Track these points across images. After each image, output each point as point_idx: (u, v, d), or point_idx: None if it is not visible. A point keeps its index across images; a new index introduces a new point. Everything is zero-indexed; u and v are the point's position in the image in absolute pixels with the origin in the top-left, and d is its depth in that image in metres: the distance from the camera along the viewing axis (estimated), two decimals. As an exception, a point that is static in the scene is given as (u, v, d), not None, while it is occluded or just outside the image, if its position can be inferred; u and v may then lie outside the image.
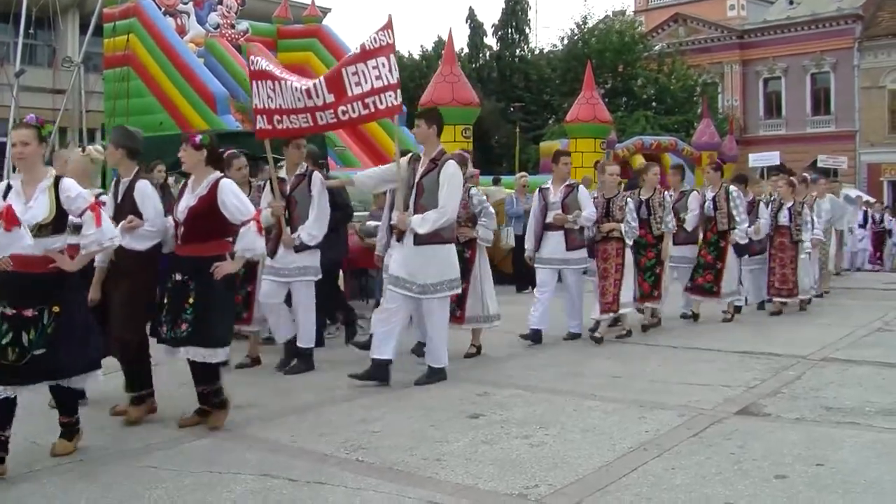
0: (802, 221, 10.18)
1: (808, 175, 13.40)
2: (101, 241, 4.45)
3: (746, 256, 10.12)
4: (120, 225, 4.84)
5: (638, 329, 8.63)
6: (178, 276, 5.01)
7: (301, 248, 6.67)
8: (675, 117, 32.88)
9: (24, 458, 4.42)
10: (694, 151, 23.02)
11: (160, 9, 17.35)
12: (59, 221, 4.37)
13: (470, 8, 50.30)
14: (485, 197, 7.58)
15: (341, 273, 8.37)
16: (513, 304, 10.06)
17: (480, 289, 7.31)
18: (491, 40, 39.50)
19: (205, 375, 5.07)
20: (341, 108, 6.35)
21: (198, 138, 5.22)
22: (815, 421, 5.22)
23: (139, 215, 5.13)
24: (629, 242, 8.09)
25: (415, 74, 34.67)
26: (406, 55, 38.27)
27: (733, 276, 9.64)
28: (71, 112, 17.32)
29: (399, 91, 6.33)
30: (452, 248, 6.50)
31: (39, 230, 4.27)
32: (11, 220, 4.10)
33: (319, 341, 7.62)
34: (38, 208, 4.31)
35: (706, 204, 9.44)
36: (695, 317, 9.50)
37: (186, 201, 5.13)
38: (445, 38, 17.48)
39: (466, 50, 38.17)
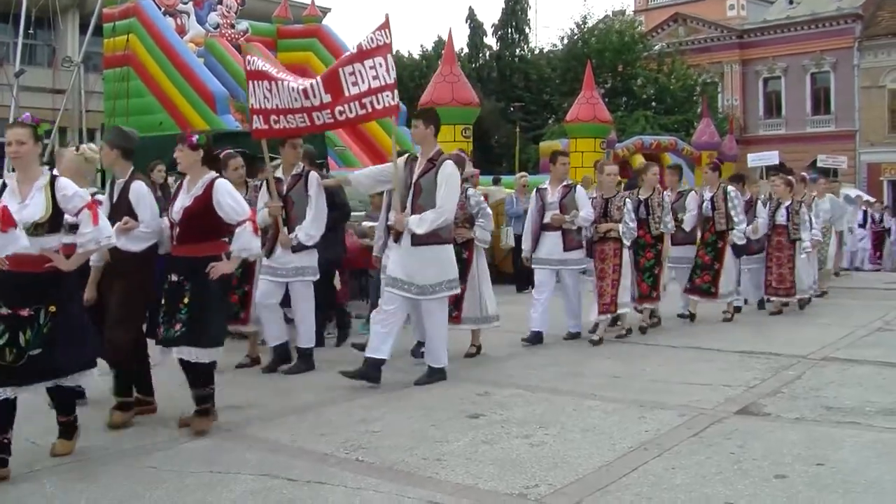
0: (800, 220, 10.16)
1: (807, 174, 13.38)
2: (99, 239, 4.43)
3: (745, 256, 10.12)
4: (115, 226, 4.83)
5: (637, 328, 8.62)
6: (174, 277, 5.00)
7: (298, 248, 6.66)
8: (675, 117, 32.87)
9: (24, 459, 4.41)
10: (694, 151, 23.00)
11: (160, 9, 17.33)
12: (54, 220, 4.35)
13: (470, 8, 50.42)
14: (482, 198, 7.56)
15: (337, 273, 8.32)
16: (513, 303, 10.07)
17: (478, 290, 7.30)
18: (491, 40, 39.52)
19: (196, 377, 5.03)
20: (338, 108, 6.34)
21: (194, 138, 5.21)
22: (816, 421, 5.23)
23: (134, 216, 5.12)
24: (627, 243, 8.07)
25: (415, 74, 34.67)
26: (406, 55, 38.28)
27: (731, 277, 9.62)
28: (71, 112, 17.31)
29: (396, 91, 6.31)
30: (451, 248, 6.49)
31: (35, 229, 4.26)
32: (7, 221, 4.07)
33: (319, 341, 7.62)
34: (35, 207, 4.29)
35: (704, 204, 9.42)
36: (692, 317, 9.49)
37: (181, 201, 5.11)
38: (445, 37, 17.47)
39: (466, 50, 38.16)
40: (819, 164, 19.15)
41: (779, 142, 34.55)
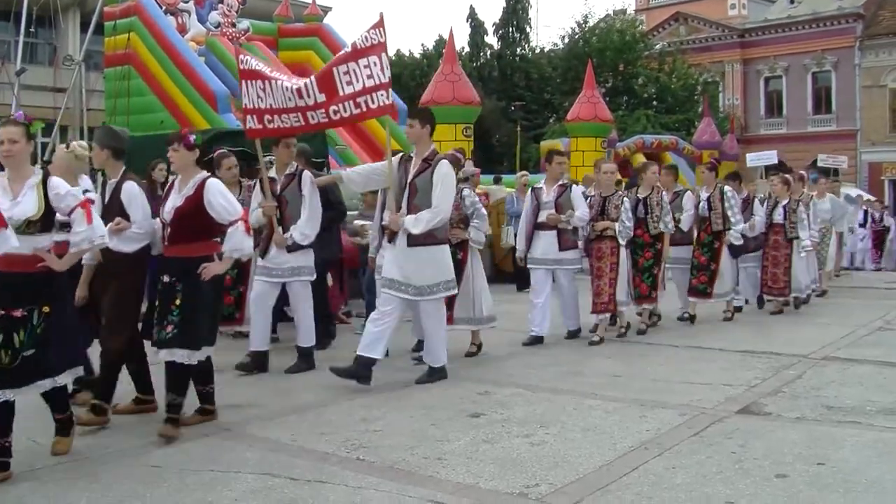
0: (798, 219, 10.12)
1: (805, 173, 13.34)
2: (92, 238, 4.40)
3: (745, 254, 10.08)
4: (107, 227, 4.78)
5: (635, 328, 8.59)
6: (166, 278, 4.96)
7: (294, 247, 6.63)
8: (676, 116, 32.89)
9: (25, 458, 4.41)
10: (695, 150, 23.03)
11: (161, 7, 17.30)
12: (46, 219, 4.31)
13: (471, 7, 50.18)
14: (477, 198, 7.49)
15: (329, 274, 8.29)
16: (513, 303, 10.07)
17: (472, 290, 7.25)
18: (492, 39, 39.56)
19: (174, 380, 4.93)
20: (333, 107, 6.30)
21: (192, 138, 5.17)
22: (816, 420, 5.22)
23: (127, 217, 5.09)
24: (622, 242, 8.03)
25: (416, 73, 34.72)
26: (407, 54, 38.33)
27: (727, 277, 9.59)
28: (72, 111, 17.33)
29: (390, 90, 6.27)
30: (447, 248, 6.45)
31: (28, 226, 4.21)
32: None
33: (328, 334, 7.63)
34: (27, 204, 4.24)
35: (700, 204, 9.39)
36: (692, 319, 9.42)
37: (173, 201, 5.07)
38: (446, 36, 17.50)
39: (467, 49, 38.19)
40: (819, 164, 19.12)
41: (780, 141, 34.57)
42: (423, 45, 46.12)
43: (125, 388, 5.46)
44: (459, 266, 7.05)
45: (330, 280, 8.39)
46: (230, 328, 7.57)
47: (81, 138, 15.76)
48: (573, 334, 8.31)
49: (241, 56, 6.85)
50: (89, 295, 5.35)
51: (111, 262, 5.11)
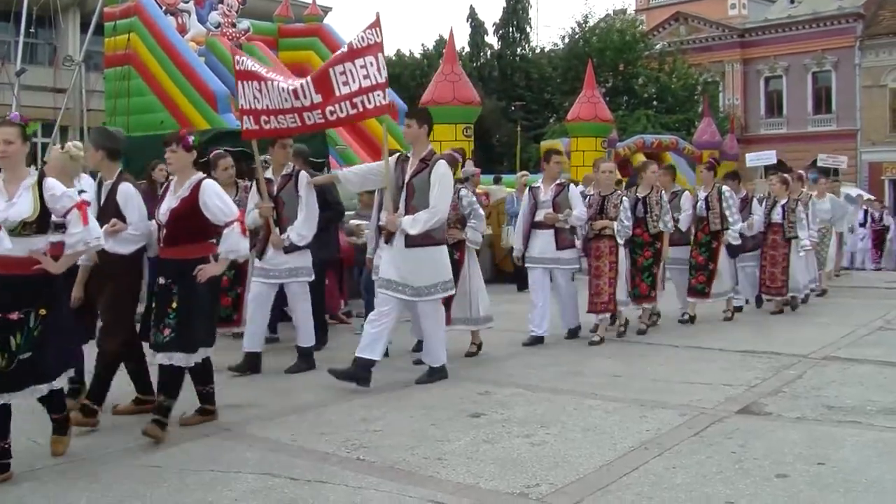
0: (796, 219, 10.10)
1: (804, 173, 13.31)
2: (87, 240, 4.36)
3: (743, 253, 10.06)
4: (103, 228, 4.75)
5: (635, 328, 8.58)
6: (162, 280, 4.93)
7: (291, 248, 6.62)
8: (676, 116, 32.89)
9: (25, 458, 4.41)
10: (695, 150, 23.02)
11: (161, 7, 17.31)
12: (42, 220, 4.26)
13: (471, 7, 50.16)
14: (475, 198, 7.46)
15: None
16: (513, 303, 10.07)
17: (469, 291, 7.24)
18: (492, 39, 39.59)
19: (166, 383, 4.90)
20: (329, 108, 6.26)
21: (191, 139, 5.15)
22: (817, 420, 5.22)
23: (123, 218, 5.06)
24: (620, 242, 8.01)
25: (416, 73, 34.74)
26: (407, 54, 38.35)
27: (726, 277, 9.57)
28: (72, 111, 17.34)
29: (387, 90, 6.24)
30: (444, 249, 6.42)
31: (24, 228, 4.17)
32: None
33: (320, 340, 7.61)
34: (23, 205, 4.20)
35: (698, 204, 9.37)
36: (692, 319, 9.41)
37: (168, 203, 5.04)
38: (446, 36, 17.48)
39: (468, 49, 38.21)
40: (819, 164, 19.11)
41: (780, 141, 34.58)
42: (423, 45, 46.26)
43: (125, 388, 5.46)
44: (456, 266, 7.01)
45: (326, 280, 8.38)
46: (228, 330, 7.55)
47: (81, 139, 15.79)
48: (573, 332, 8.31)
49: (237, 57, 6.81)
50: (84, 296, 5.34)
51: (107, 264, 5.08)
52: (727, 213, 9.28)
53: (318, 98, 6.26)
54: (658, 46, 37.22)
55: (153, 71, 16.35)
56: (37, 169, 4.53)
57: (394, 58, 37.98)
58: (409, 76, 34.70)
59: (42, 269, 4.25)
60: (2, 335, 4.17)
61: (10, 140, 4.25)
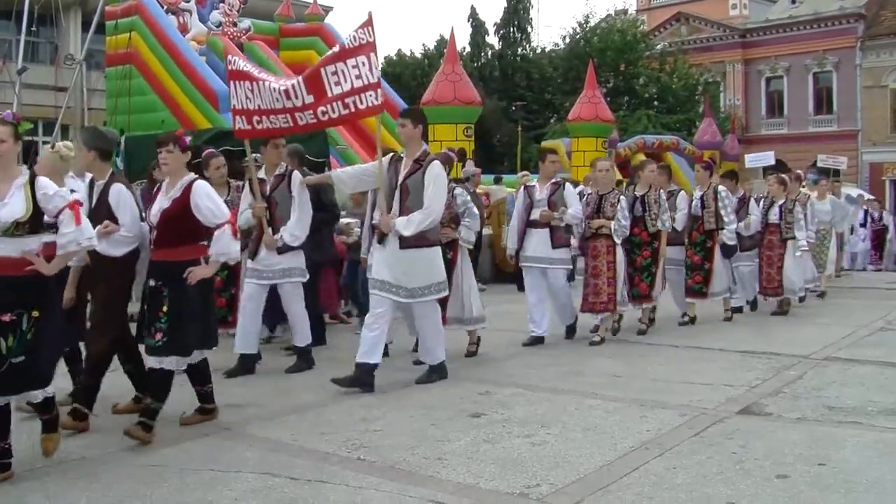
0: (794, 219, 10.07)
1: (803, 173, 13.26)
2: (80, 240, 4.28)
3: (738, 253, 10.03)
4: (95, 230, 4.65)
5: (633, 327, 8.55)
6: (152, 282, 4.89)
7: (284, 249, 6.59)
8: (677, 116, 32.90)
9: (25, 457, 4.41)
10: (696, 151, 23.02)
11: (162, 7, 17.32)
12: (35, 220, 4.20)
13: (472, 7, 50.29)
14: (469, 197, 7.42)
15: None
16: (513, 303, 10.07)
17: (461, 290, 7.21)
18: (493, 39, 39.62)
19: (156, 384, 4.89)
20: (321, 108, 6.21)
21: (188, 139, 5.11)
22: (817, 420, 5.22)
23: (115, 220, 5.01)
24: (618, 241, 7.98)
25: (416, 73, 34.76)
26: (408, 53, 38.37)
27: (722, 276, 9.55)
28: (73, 110, 17.35)
29: (380, 90, 6.17)
30: (438, 250, 6.39)
31: (16, 228, 4.12)
32: None
33: (320, 340, 7.60)
34: (15, 205, 4.14)
35: (693, 202, 9.32)
36: (692, 320, 9.38)
37: (160, 204, 4.98)
38: (447, 36, 17.49)
39: (468, 49, 38.24)
40: (819, 165, 19.09)
41: (781, 141, 34.60)
42: (423, 44, 46.32)
43: (125, 388, 5.45)
44: (449, 266, 6.95)
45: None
46: (223, 331, 7.54)
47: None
48: (570, 329, 8.28)
49: (229, 56, 6.76)
50: (76, 297, 5.31)
51: (99, 266, 5.03)
52: (722, 212, 9.23)
53: (309, 98, 6.21)
54: (659, 46, 37.22)
55: (154, 70, 16.36)
56: (28, 168, 4.49)
57: (394, 57, 38.03)
58: (409, 76, 34.72)
59: (34, 271, 4.18)
60: None
61: (1, 139, 4.19)
